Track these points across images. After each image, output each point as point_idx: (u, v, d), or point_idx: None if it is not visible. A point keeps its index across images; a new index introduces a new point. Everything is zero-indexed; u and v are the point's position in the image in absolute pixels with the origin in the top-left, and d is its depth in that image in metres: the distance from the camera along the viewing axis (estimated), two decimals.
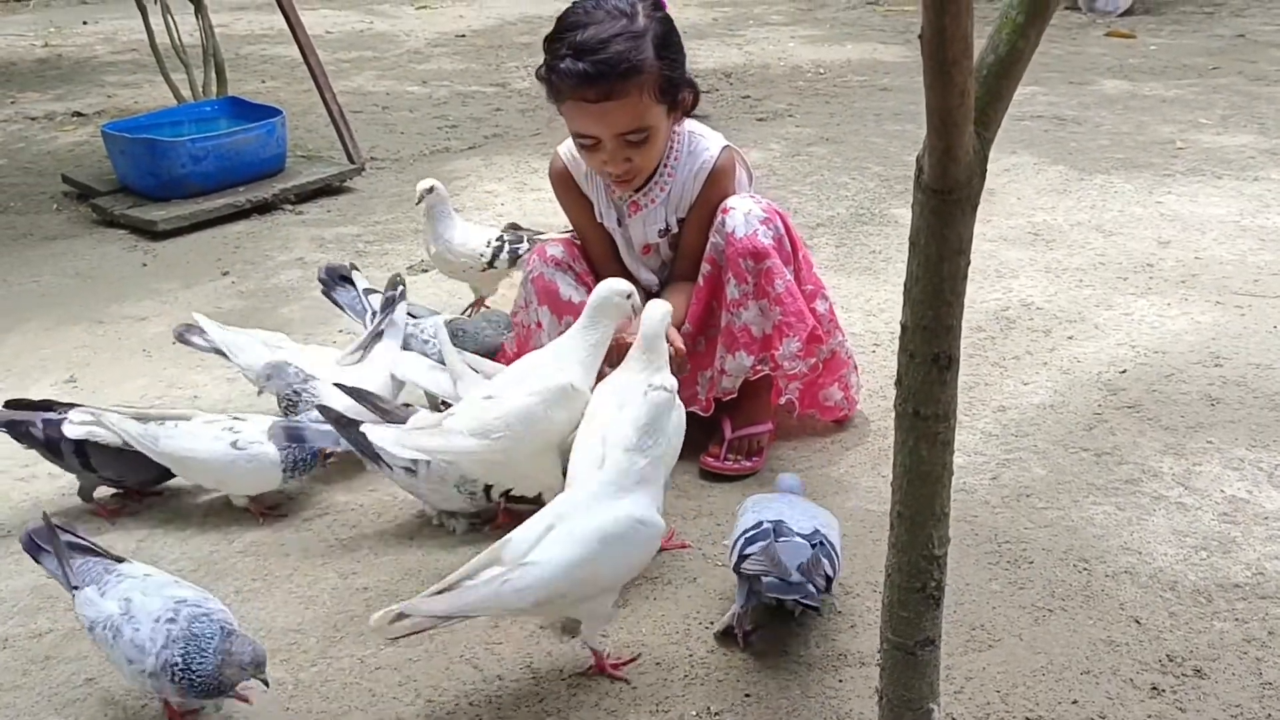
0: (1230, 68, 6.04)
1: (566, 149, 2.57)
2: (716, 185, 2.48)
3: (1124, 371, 2.87)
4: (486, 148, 5.12)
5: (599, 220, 2.58)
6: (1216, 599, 2.05)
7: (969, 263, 1.14)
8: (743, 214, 2.40)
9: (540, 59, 2.39)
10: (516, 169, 4.73)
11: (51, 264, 3.92)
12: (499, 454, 2.18)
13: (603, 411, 2.16)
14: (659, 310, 2.21)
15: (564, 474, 2.23)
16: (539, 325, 2.53)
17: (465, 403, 2.24)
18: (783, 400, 2.49)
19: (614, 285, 2.26)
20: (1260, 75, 5.85)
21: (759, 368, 2.42)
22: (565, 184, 2.59)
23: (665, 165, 2.48)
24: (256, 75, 6.54)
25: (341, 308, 2.89)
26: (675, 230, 2.55)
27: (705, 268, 2.48)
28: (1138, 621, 2.00)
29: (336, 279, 2.90)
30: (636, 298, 2.28)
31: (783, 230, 2.43)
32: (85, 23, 8.31)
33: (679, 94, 2.38)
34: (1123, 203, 4.08)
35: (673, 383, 1.97)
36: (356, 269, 2.93)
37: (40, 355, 3.22)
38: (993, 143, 1.13)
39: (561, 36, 2.30)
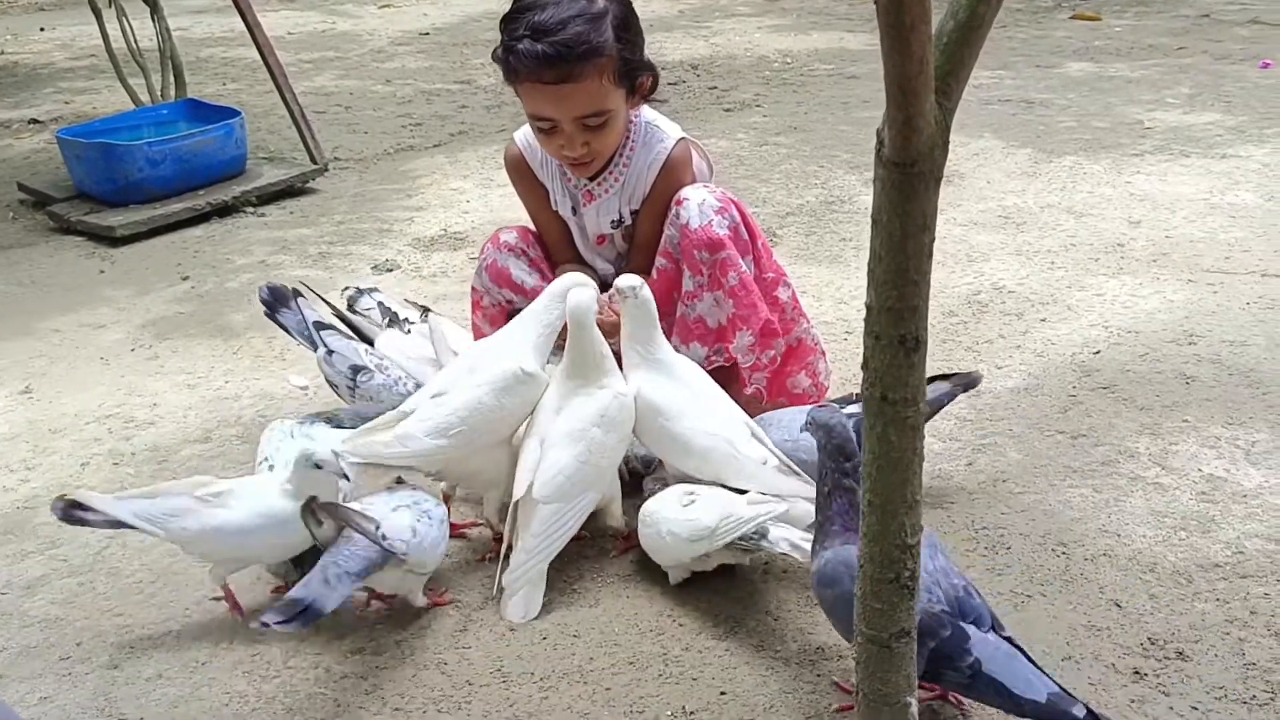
0: (1195, 47, 6.03)
1: (523, 135, 2.52)
2: (671, 177, 2.44)
3: (1097, 352, 2.84)
4: (451, 145, 5.05)
5: (554, 208, 2.54)
6: (1197, 579, 2.02)
7: (934, 239, 1.10)
8: (696, 204, 2.35)
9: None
10: (482, 165, 4.68)
11: (6, 273, 3.83)
12: (457, 452, 2.12)
13: (542, 417, 2.13)
14: (583, 304, 2.12)
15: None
16: (506, 305, 2.50)
17: (417, 403, 2.18)
18: (749, 391, 2.45)
19: (579, 291, 2.16)
20: (1225, 54, 5.84)
21: (714, 359, 2.38)
22: (520, 170, 2.55)
23: (621, 156, 2.44)
24: (217, 78, 6.45)
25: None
26: (629, 222, 2.51)
27: (661, 261, 2.44)
28: (1118, 605, 1.96)
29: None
30: (602, 297, 2.24)
31: (738, 219, 2.38)
32: (42, 29, 8.19)
33: (638, 77, 2.34)
34: (1092, 184, 4.06)
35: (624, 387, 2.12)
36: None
37: None
38: (954, 114, 1.08)
39: (519, 16, 2.25)
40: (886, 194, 1.09)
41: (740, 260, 2.36)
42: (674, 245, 2.39)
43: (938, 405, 2.26)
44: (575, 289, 2.15)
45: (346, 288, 2.75)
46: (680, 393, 2.16)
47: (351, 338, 2.52)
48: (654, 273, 2.45)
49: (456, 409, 2.10)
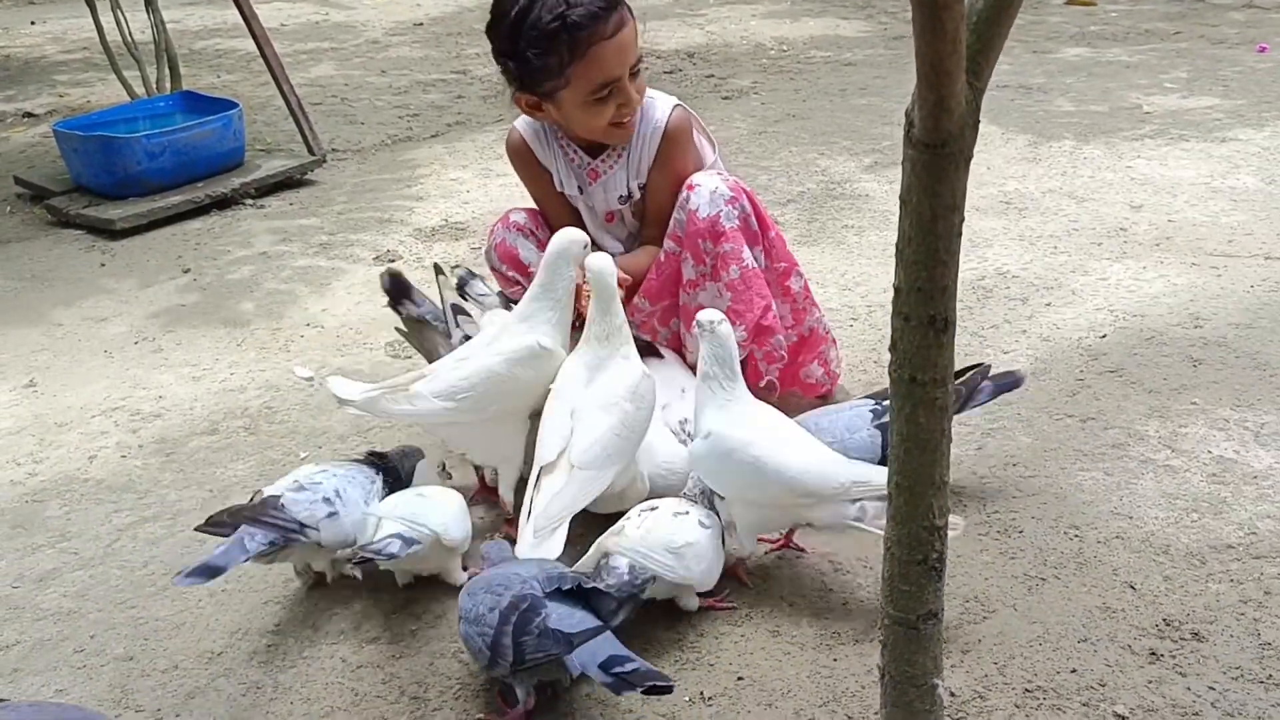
0: (1191, 31, 6.04)
1: (524, 123, 2.52)
2: (673, 144, 2.45)
3: (1104, 336, 2.84)
4: (449, 135, 5.04)
5: (559, 190, 2.53)
6: (1210, 561, 2.02)
7: (963, 219, 1.10)
8: (708, 192, 2.34)
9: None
10: (481, 155, 4.66)
11: (6, 267, 3.81)
12: (465, 416, 2.13)
13: (570, 387, 2.11)
14: (604, 265, 2.11)
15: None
16: (515, 284, 2.50)
17: (440, 363, 2.19)
18: (763, 384, 2.44)
19: (569, 235, 2.19)
20: (1221, 38, 5.85)
21: None
22: (523, 157, 2.54)
23: None
24: (212, 70, 6.42)
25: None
26: (638, 197, 2.51)
27: (670, 245, 2.43)
28: (1132, 587, 1.97)
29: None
30: (592, 248, 2.23)
31: (749, 209, 2.37)
32: (33, 23, 8.14)
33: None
34: (1093, 168, 4.06)
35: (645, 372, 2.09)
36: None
37: None
38: (984, 94, 1.08)
39: (536, 3, 2.25)
40: (916, 175, 1.08)
41: (745, 253, 2.35)
42: (681, 229, 2.38)
43: (975, 404, 2.25)
44: (594, 256, 2.14)
45: (456, 266, 2.61)
46: (760, 430, 2.03)
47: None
48: (662, 255, 2.45)
49: (468, 375, 2.12)
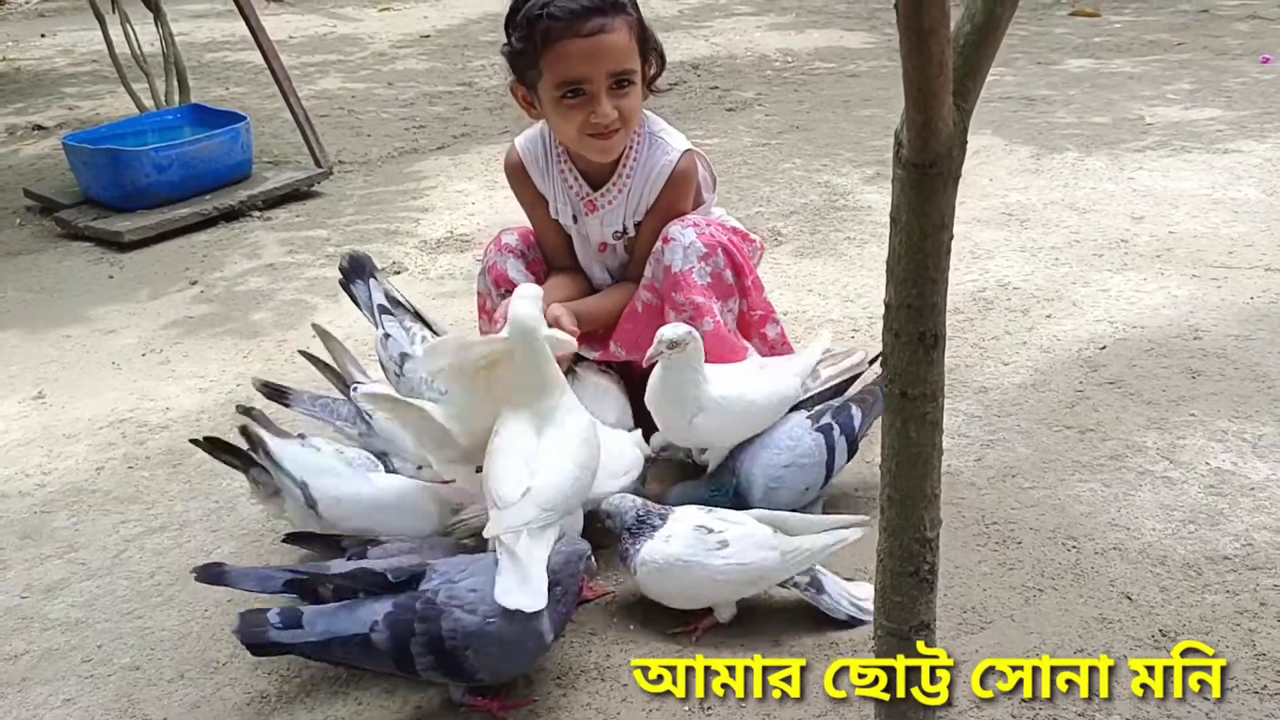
0: (1195, 43, 6.06)
1: (524, 141, 2.52)
2: (675, 189, 2.43)
3: (1104, 348, 2.86)
4: (455, 147, 5.08)
5: (554, 216, 2.54)
6: (1206, 572, 2.04)
7: (952, 237, 1.12)
8: (682, 247, 2.34)
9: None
10: (486, 168, 4.69)
11: (15, 279, 3.85)
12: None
13: (521, 439, 1.97)
14: (524, 314, 1.98)
15: None
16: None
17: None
18: None
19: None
20: (1224, 50, 5.87)
21: None
22: (519, 179, 2.54)
23: (625, 166, 2.43)
24: (220, 82, 6.47)
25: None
26: (631, 234, 2.51)
27: (646, 295, 2.43)
28: (1129, 597, 1.98)
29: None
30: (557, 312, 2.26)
31: (723, 264, 2.36)
32: (43, 35, 8.21)
33: (649, 53, 2.37)
34: (1094, 180, 4.08)
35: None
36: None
37: (8, 371, 3.17)
38: (971, 115, 1.10)
39: None
40: (905, 194, 1.10)
41: (717, 307, 2.35)
42: (658, 282, 2.39)
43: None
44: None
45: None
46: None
47: (413, 324, 2.45)
48: (639, 305, 2.45)
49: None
